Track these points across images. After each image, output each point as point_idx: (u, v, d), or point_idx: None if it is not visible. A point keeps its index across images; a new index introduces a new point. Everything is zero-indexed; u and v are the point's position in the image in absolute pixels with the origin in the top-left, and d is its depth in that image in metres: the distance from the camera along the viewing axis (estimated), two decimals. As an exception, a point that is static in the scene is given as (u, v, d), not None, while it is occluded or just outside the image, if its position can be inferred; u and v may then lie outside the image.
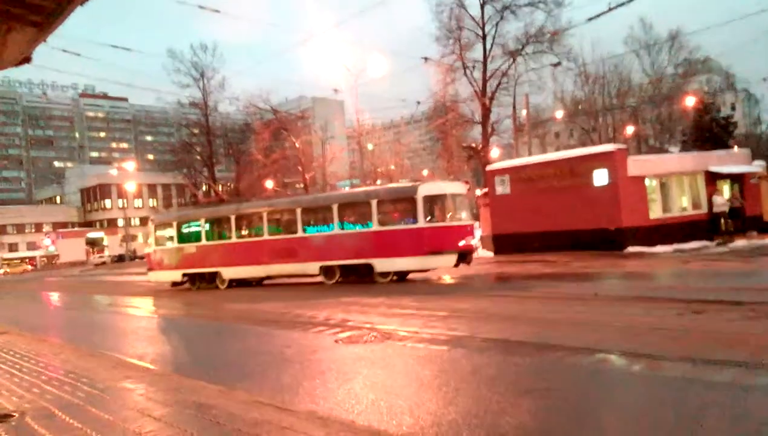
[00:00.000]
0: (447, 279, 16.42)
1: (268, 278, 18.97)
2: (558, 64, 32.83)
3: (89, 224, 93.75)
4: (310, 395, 5.43)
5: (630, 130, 46.32)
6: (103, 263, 70.46)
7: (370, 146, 55.06)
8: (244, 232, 19.43)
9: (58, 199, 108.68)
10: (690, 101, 39.21)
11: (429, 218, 15.82)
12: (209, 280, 19.72)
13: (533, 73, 32.72)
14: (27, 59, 5.76)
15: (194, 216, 21.07)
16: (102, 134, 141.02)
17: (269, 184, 48.35)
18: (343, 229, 16.93)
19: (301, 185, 52.62)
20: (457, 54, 33.50)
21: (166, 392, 5.61)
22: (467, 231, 16.41)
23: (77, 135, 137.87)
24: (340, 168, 59.95)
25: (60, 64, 35.46)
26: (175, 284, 20.90)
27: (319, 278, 17.28)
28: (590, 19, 18.28)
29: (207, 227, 20.02)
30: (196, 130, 54.60)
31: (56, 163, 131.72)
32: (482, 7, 32.97)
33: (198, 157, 55.19)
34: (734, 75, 60.70)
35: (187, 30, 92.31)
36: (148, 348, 8.99)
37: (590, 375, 5.58)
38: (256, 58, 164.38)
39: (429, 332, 8.15)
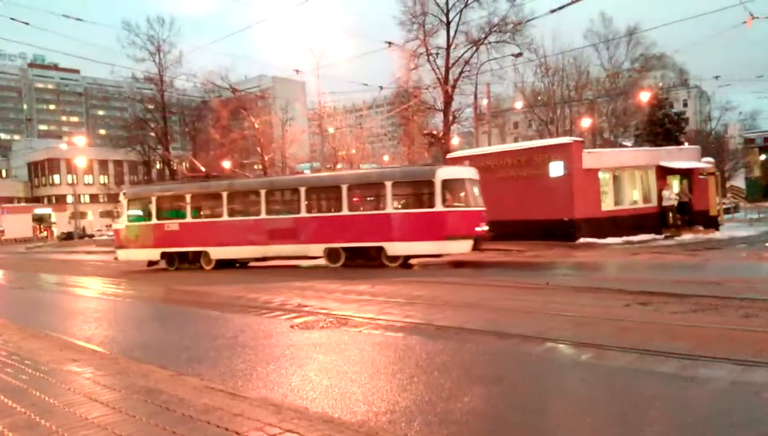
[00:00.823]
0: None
1: (262, 259, 18.16)
2: (519, 54, 33.09)
3: (36, 200, 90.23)
4: (264, 381, 5.39)
5: (586, 122, 47.33)
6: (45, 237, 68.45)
7: (331, 130, 54.52)
8: (238, 210, 18.39)
9: (3, 172, 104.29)
10: (645, 96, 40.22)
11: (445, 201, 15.63)
12: (192, 260, 18.72)
13: (495, 63, 32.92)
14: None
15: (178, 190, 19.73)
16: (51, 107, 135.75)
17: (226, 164, 47.49)
18: (351, 210, 16.51)
19: (260, 167, 51.86)
20: (421, 39, 33.39)
21: (114, 376, 5.48)
22: (482, 217, 16.19)
23: (25, 106, 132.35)
24: (300, 150, 59.16)
25: (8, 32, 33.77)
26: (151, 263, 19.69)
27: (321, 261, 16.77)
28: (554, 10, 18.35)
29: (193, 202, 18.83)
30: (150, 106, 53.17)
31: (2, 136, 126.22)
32: (447, -7, 32.92)
33: (152, 134, 53.84)
34: (688, 72, 62.58)
35: (144, 1, 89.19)
36: (97, 330, 8.73)
37: (541, 363, 5.73)
38: (216, 34, 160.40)
39: (385, 318, 8.19)
